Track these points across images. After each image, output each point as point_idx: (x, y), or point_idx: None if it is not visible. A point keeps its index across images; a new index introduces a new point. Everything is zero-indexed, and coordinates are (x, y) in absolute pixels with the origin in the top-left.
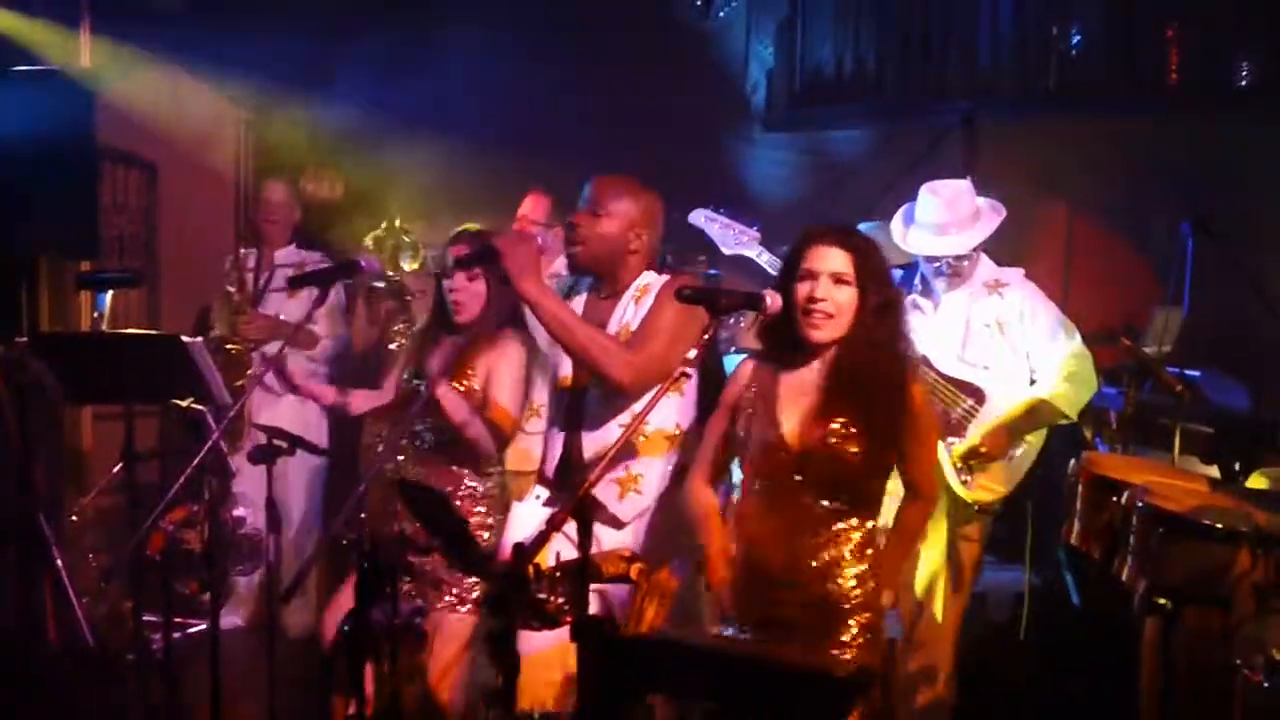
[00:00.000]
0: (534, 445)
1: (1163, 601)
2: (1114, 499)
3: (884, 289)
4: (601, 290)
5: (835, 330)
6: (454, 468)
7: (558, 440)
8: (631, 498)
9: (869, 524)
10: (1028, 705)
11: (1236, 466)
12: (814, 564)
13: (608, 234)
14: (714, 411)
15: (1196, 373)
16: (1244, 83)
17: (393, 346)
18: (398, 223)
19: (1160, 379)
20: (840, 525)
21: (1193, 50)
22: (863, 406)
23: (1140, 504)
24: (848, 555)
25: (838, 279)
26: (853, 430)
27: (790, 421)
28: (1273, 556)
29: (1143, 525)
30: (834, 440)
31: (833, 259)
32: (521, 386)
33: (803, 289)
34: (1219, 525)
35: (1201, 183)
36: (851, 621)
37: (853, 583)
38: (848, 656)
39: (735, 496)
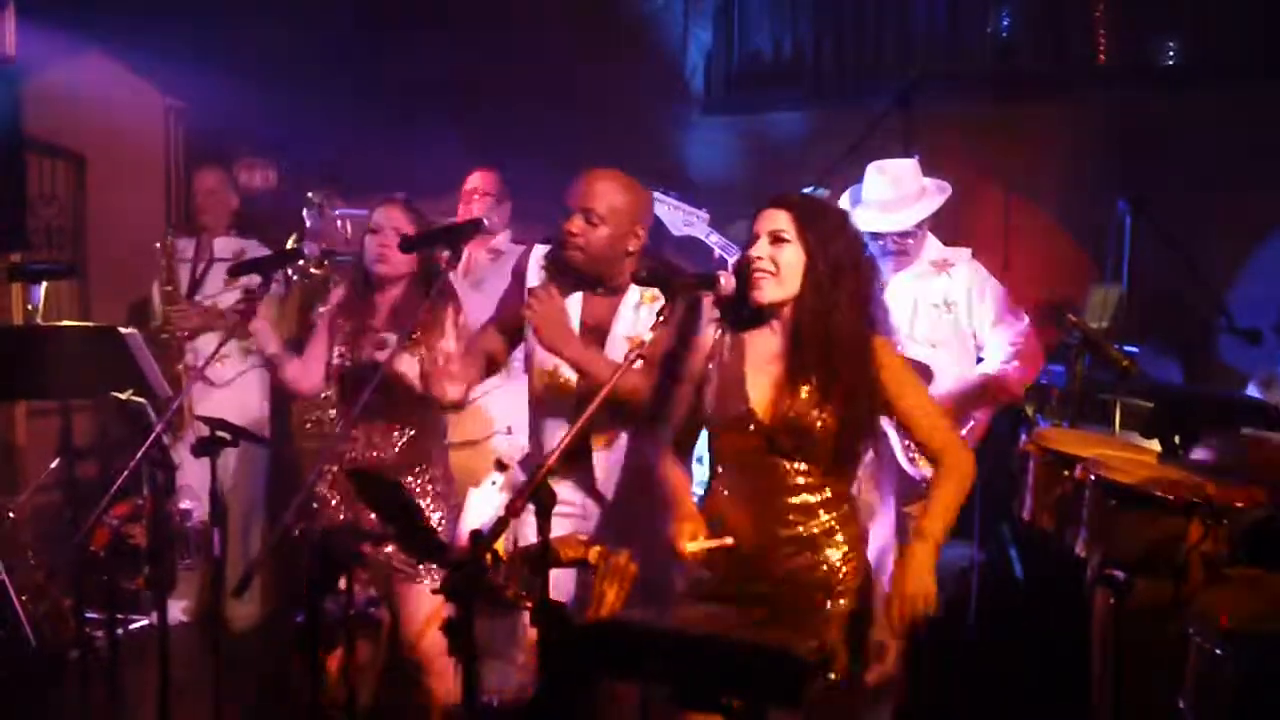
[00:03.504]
0: (487, 404)
1: (1115, 573)
2: (1065, 473)
3: (833, 247)
4: (598, 288)
5: (778, 291)
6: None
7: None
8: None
9: (846, 494)
10: (977, 679)
11: (1176, 440)
12: (791, 536)
13: (605, 241)
14: (674, 385)
15: (1134, 348)
16: (1170, 62)
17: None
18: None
19: (1106, 354)
20: (815, 497)
21: (1119, 31)
22: (827, 371)
23: (1092, 477)
24: (826, 526)
25: (775, 237)
26: (820, 396)
27: (757, 392)
28: (1222, 527)
29: (1095, 498)
30: (802, 409)
31: (772, 219)
32: (461, 335)
33: (749, 250)
34: (1170, 497)
35: (1134, 161)
36: (835, 595)
37: (835, 556)
38: (831, 633)
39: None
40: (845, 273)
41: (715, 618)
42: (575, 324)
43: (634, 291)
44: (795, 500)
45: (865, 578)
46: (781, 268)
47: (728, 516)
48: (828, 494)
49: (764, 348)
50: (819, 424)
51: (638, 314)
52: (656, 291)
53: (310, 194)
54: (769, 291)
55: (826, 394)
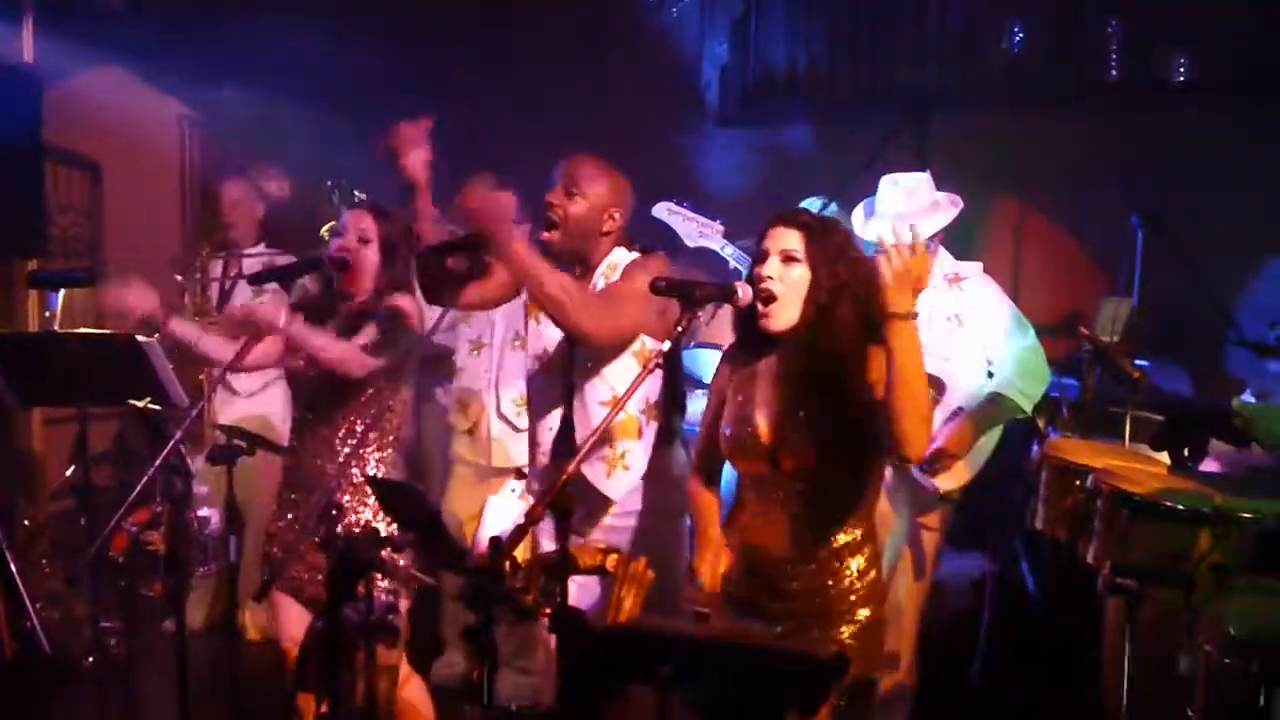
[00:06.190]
0: (524, 440)
1: (1126, 582)
2: (1078, 484)
3: (839, 267)
4: (574, 271)
5: (786, 314)
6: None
7: (546, 430)
8: (619, 474)
9: (865, 512)
10: (990, 689)
11: (1185, 453)
12: (811, 554)
13: (582, 215)
14: (705, 409)
15: (1145, 362)
16: (1181, 78)
17: None
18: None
19: (1118, 366)
20: (832, 515)
21: (1131, 47)
22: (826, 391)
23: (1104, 487)
24: (846, 543)
25: (787, 257)
26: (817, 418)
27: (762, 414)
28: (1232, 537)
29: (1107, 508)
30: (801, 430)
31: (783, 237)
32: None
33: (756, 269)
34: (1181, 507)
35: (1146, 177)
36: (854, 612)
37: (854, 567)
38: (850, 644)
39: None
40: (847, 293)
41: (736, 627)
42: None
43: (601, 268)
44: (811, 519)
45: (881, 588)
46: (790, 288)
47: (751, 536)
48: (844, 512)
49: (770, 368)
50: (818, 443)
51: (597, 285)
52: (618, 261)
53: (330, 183)
54: (778, 318)
55: (827, 414)
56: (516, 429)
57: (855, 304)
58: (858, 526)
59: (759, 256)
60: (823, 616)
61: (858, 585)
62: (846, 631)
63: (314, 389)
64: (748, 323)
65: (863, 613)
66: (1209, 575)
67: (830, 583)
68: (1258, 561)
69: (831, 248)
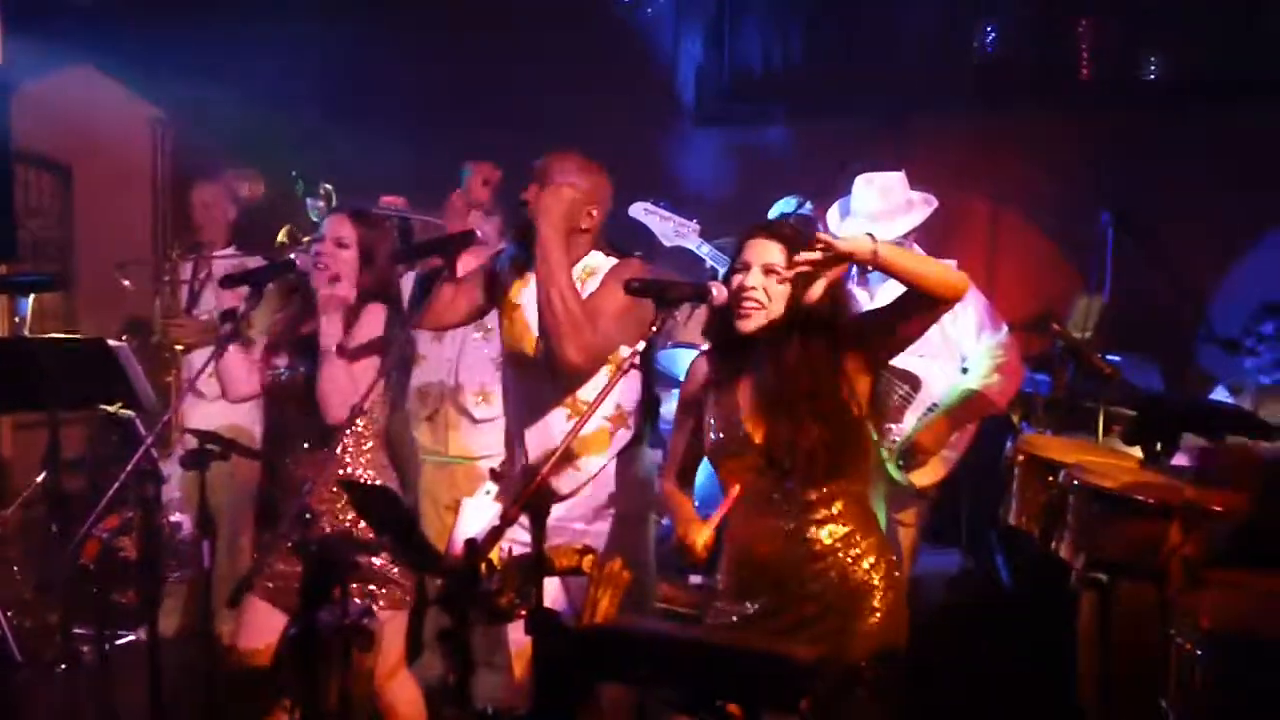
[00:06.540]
0: (481, 432)
1: (1099, 576)
2: (1051, 479)
3: (817, 271)
4: None
5: (765, 321)
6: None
7: (518, 428)
8: (569, 474)
9: (860, 503)
10: (966, 682)
11: (1158, 447)
12: (813, 553)
13: (559, 209)
14: (677, 412)
15: (1117, 357)
16: (1152, 77)
17: None
18: (324, 204)
19: (1090, 362)
20: (829, 509)
21: (1104, 47)
22: (814, 390)
23: (1076, 482)
24: (843, 536)
25: (769, 270)
26: (811, 416)
27: (753, 419)
28: (1203, 530)
29: (1079, 503)
30: (794, 427)
31: (765, 250)
32: (377, 353)
33: (736, 279)
34: (1151, 501)
35: (1117, 175)
36: (872, 603)
37: (865, 564)
38: (871, 639)
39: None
40: (824, 299)
41: (714, 628)
42: (532, 302)
43: (578, 270)
44: (813, 513)
45: (894, 568)
46: (772, 299)
47: (751, 541)
48: (839, 506)
49: (750, 371)
50: (813, 441)
51: (583, 287)
52: (595, 265)
53: (325, 185)
54: (757, 323)
55: (816, 412)
56: (474, 420)
57: (831, 307)
58: (855, 518)
59: (740, 266)
60: (841, 612)
61: (872, 575)
62: (872, 620)
63: (290, 396)
64: (721, 328)
65: (882, 596)
66: (1180, 568)
67: (839, 574)
68: (1229, 554)
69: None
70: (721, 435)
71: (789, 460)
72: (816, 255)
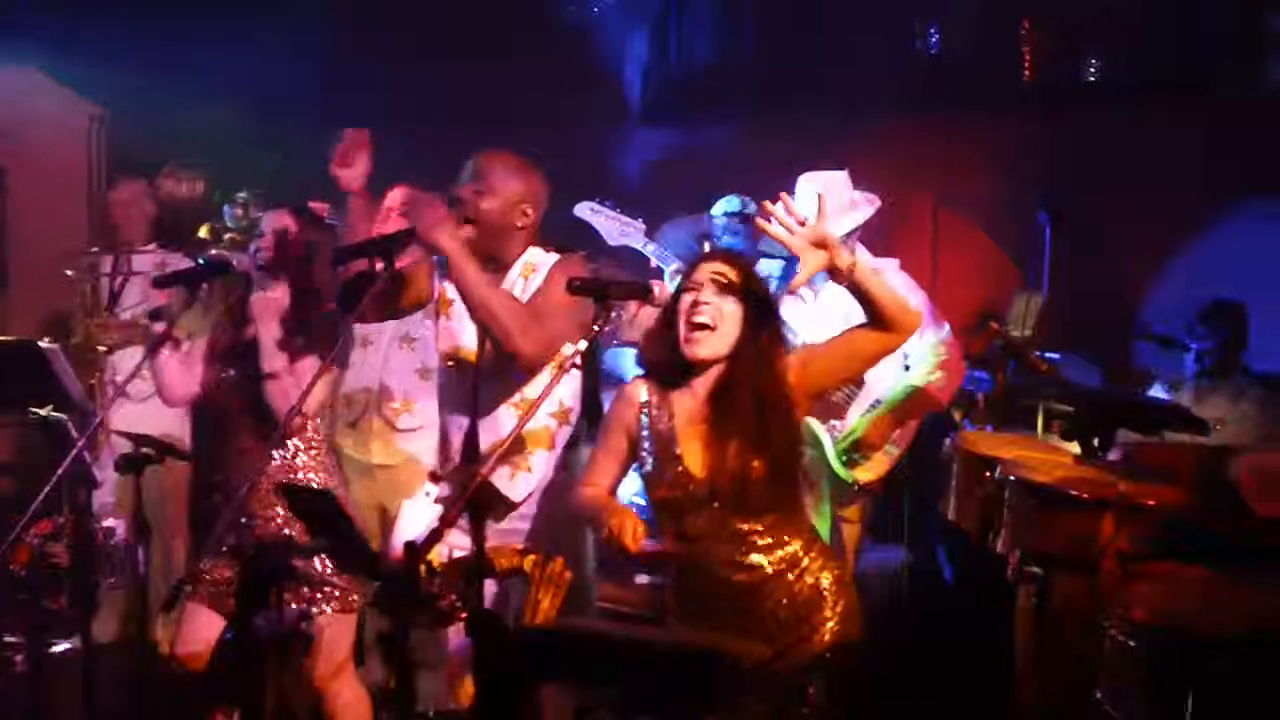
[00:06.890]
0: (405, 440)
1: (1035, 570)
2: (987, 474)
3: (765, 301)
4: (488, 264)
5: (716, 345)
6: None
7: (456, 428)
8: (523, 476)
9: (801, 525)
10: (907, 677)
11: (1095, 442)
12: (763, 578)
13: (494, 211)
14: (604, 431)
15: (1056, 355)
16: (1093, 78)
17: None
18: (240, 211)
19: (1027, 360)
20: (772, 536)
21: (1044, 48)
22: (758, 425)
23: (1012, 477)
24: (792, 557)
25: (722, 287)
26: (751, 448)
27: (691, 451)
28: (1135, 523)
29: (1014, 498)
30: (737, 463)
31: (716, 269)
32: (322, 356)
33: (686, 299)
34: (1084, 495)
35: (1058, 175)
36: (824, 612)
37: (810, 579)
38: (826, 642)
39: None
40: (769, 323)
41: (649, 628)
42: None
43: (518, 266)
44: (755, 543)
45: (849, 592)
46: (723, 320)
47: (696, 574)
48: (781, 531)
49: (692, 403)
50: (754, 474)
51: (514, 287)
52: (536, 262)
53: (240, 194)
54: (709, 349)
55: (758, 445)
56: (397, 429)
57: (777, 333)
58: (797, 535)
59: (692, 285)
60: (796, 627)
61: (822, 583)
62: (826, 627)
63: (233, 400)
64: (664, 357)
65: (830, 609)
66: (1114, 560)
67: (788, 597)
68: (1161, 546)
69: (759, 286)
70: (660, 464)
71: (731, 493)
72: (810, 226)
